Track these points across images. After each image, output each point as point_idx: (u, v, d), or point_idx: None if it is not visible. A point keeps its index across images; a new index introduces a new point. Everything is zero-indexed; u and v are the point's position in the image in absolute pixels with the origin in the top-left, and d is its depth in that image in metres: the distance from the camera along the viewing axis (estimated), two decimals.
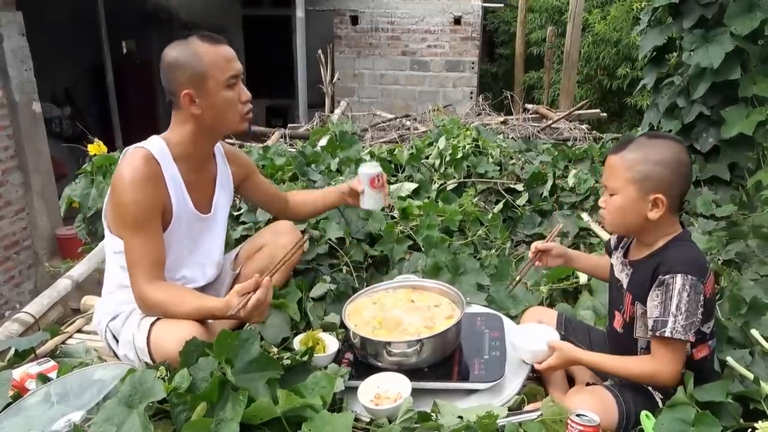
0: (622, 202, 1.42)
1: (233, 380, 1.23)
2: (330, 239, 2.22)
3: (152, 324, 1.57)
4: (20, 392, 1.47)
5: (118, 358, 1.67)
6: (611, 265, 1.63)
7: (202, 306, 1.53)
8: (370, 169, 1.92)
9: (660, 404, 1.42)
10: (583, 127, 4.73)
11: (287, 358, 1.51)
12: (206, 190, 1.77)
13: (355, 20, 8.20)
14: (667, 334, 1.34)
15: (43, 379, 1.49)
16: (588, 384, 1.62)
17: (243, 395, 1.21)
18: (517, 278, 1.86)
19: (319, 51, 6.37)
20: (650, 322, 1.39)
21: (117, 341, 1.66)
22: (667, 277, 1.36)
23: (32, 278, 4.97)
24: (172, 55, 1.60)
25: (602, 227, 2.68)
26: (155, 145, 1.63)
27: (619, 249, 1.61)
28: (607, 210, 1.48)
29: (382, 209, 2.38)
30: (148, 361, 1.56)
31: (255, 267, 1.84)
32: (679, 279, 1.34)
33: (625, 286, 1.52)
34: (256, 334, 1.33)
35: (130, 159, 1.58)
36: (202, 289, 1.82)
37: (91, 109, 7.96)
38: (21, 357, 1.71)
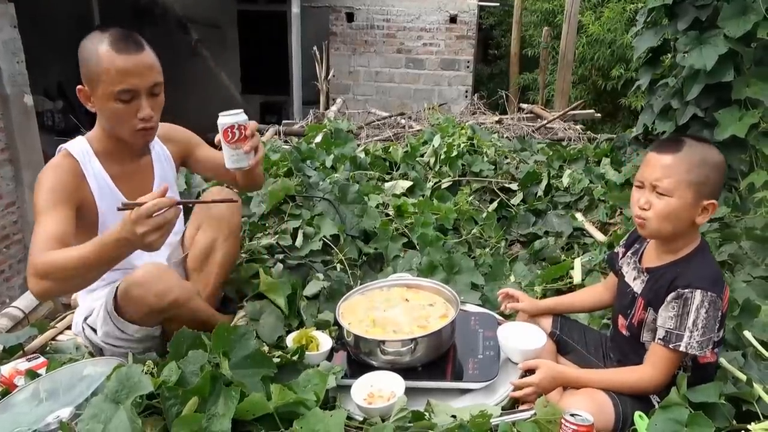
0: (676, 205, 1.35)
1: (228, 374, 1.22)
2: (324, 236, 2.21)
3: (118, 287, 1.54)
4: (9, 388, 1.46)
5: (102, 354, 1.65)
6: (621, 273, 1.60)
7: (98, 239, 1.37)
8: (225, 118, 1.56)
9: (655, 405, 1.42)
10: (578, 127, 4.74)
11: (278, 356, 1.50)
12: (144, 179, 1.72)
13: (350, 17, 8.18)
14: (682, 348, 1.34)
15: (32, 375, 1.47)
16: None
17: (236, 390, 1.20)
18: None
19: (315, 48, 6.35)
20: (661, 332, 1.38)
21: (95, 332, 1.64)
22: (686, 291, 1.34)
23: (22, 273, 4.92)
24: (82, 45, 1.53)
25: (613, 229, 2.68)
26: (75, 143, 1.63)
27: (629, 255, 1.59)
28: (654, 211, 1.38)
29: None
30: (124, 327, 1.55)
31: (197, 249, 1.81)
32: (698, 295, 1.33)
33: (639, 292, 1.49)
34: (252, 330, 1.32)
35: (52, 160, 1.59)
36: None
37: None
38: (9, 353, 1.69)
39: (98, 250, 1.33)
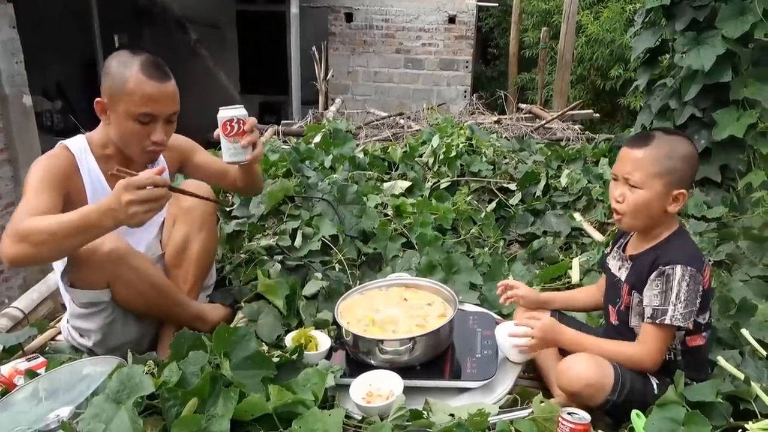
0: (647, 196, 1.43)
1: (229, 375, 1.22)
2: (323, 236, 2.22)
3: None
4: (8, 388, 1.46)
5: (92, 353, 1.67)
6: (608, 268, 1.65)
7: (83, 207, 1.37)
8: (225, 111, 1.59)
9: (654, 388, 1.44)
10: (576, 127, 4.75)
11: (277, 356, 1.51)
12: None
13: (349, 17, 8.19)
14: (668, 321, 1.39)
15: (32, 375, 1.48)
16: None
17: (234, 392, 1.20)
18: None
19: (314, 48, 6.36)
20: (648, 311, 1.42)
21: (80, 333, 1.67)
22: (667, 267, 1.40)
23: (21, 273, 4.92)
24: (110, 60, 1.59)
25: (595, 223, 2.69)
26: (74, 140, 1.66)
27: (615, 250, 1.64)
28: (627, 204, 1.46)
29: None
30: (74, 296, 1.58)
31: (172, 246, 1.81)
32: (678, 269, 1.39)
33: (623, 279, 1.54)
34: (252, 332, 1.33)
35: (48, 151, 1.63)
36: None
37: (81, 103, 7.89)
38: (9, 353, 1.70)
39: (81, 216, 1.33)
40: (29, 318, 2.02)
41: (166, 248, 1.82)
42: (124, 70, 1.55)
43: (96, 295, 1.59)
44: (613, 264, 1.63)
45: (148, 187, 1.29)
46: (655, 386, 1.45)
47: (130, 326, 1.68)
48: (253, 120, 1.62)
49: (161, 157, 1.81)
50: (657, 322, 1.40)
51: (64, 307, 2.16)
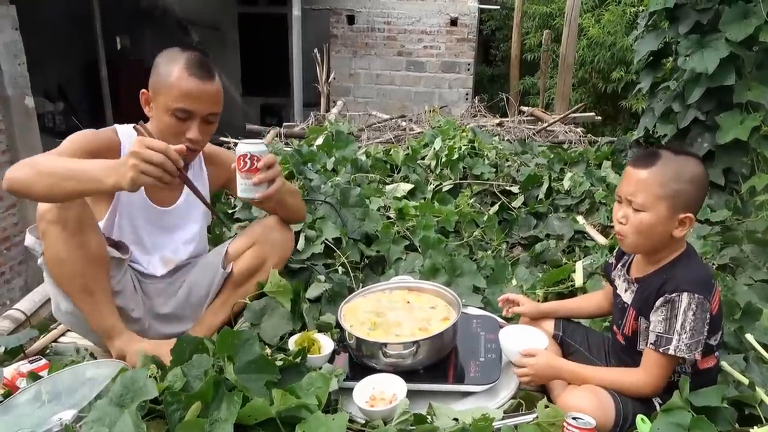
0: (651, 220, 1.37)
1: (233, 379, 1.21)
2: (326, 239, 2.21)
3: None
4: (11, 390, 1.45)
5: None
6: (614, 285, 1.60)
7: (92, 161, 1.37)
8: (242, 145, 1.53)
9: (657, 407, 1.42)
10: (579, 130, 4.75)
11: (281, 359, 1.50)
12: (172, 190, 1.74)
13: (351, 20, 8.20)
14: (671, 351, 1.34)
15: (34, 377, 1.47)
16: None
17: (238, 396, 1.19)
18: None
19: (315, 50, 6.36)
20: (652, 337, 1.38)
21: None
22: (673, 295, 1.34)
23: (23, 275, 4.92)
24: (160, 56, 1.62)
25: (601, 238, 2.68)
26: (125, 126, 1.67)
27: (619, 267, 1.59)
28: (630, 226, 1.40)
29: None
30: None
31: (245, 265, 1.81)
32: (685, 298, 1.33)
33: (629, 303, 1.50)
34: (255, 335, 1.32)
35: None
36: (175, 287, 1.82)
37: (83, 105, 7.90)
38: (11, 355, 1.69)
39: (86, 164, 1.35)
40: (31, 320, 2.01)
41: (237, 264, 1.82)
42: (170, 65, 1.57)
43: (33, 242, 1.57)
44: (619, 284, 1.58)
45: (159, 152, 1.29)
46: (658, 407, 1.42)
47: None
48: (271, 158, 1.55)
49: (204, 168, 1.82)
50: (660, 350, 1.35)
51: None
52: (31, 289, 2.21)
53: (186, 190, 1.74)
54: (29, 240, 1.57)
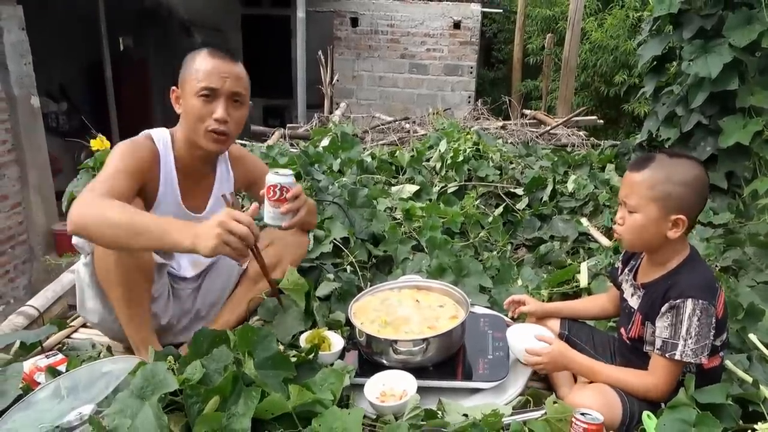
0: (642, 221, 1.42)
1: (253, 374, 1.24)
2: (334, 239, 2.24)
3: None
4: (29, 384, 1.48)
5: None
6: (621, 290, 1.64)
7: (165, 220, 1.38)
8: (272, 175, 1.59)
9: (662, 405, 1.45)
10: (581, 133, 4.78)
11: (294, 356, 1.53)
12: (202, 191, 1.78)
13: (355, 22, 8.23)
14: (677, 357, 1.37)
15: (52, 371, 1.50)
16: (590, 381, 1.64)
17: (256, 391, 1.22)
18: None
19: (320, 52, 6.39)
20: (659, 342, 1.41)
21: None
22: (678, 301, 1.37)
23: (27, 273, 4.94)
24: (188, 55, 1.67)
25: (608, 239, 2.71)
26: (159, 131, 1.69)
27: (626, 272, 1.63)
28: (625, 227, 1.46)
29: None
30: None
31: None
32: (689, 303, 1.36)
33: (636, 308, 1.53)
34: (273, 333, 1.35)
35: (134, 138, 1.66)
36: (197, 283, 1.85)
37: (86, 105, 7.92)
38: (27, 350, 1.72)
39: (160, 223, 1.36)
40: (44, 316, 2.04)
41: (253, 261, 1.83)
42: (195, 57, 1.63)
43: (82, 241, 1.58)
44: (625, 288, 1.61)
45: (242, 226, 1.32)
46: (663, 404, 1.43)
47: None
48: (298, 189, 1.61)
49: (231, 170, 1.85)
50: (667, 356, 1.38)
51: (70, 308, 2.19)
52: (36, 287, 2.23)
53: (213, 194, 1.79)
54: (77, 238, 1.59)
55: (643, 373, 1.46)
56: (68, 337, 1.91)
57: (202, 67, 1.60)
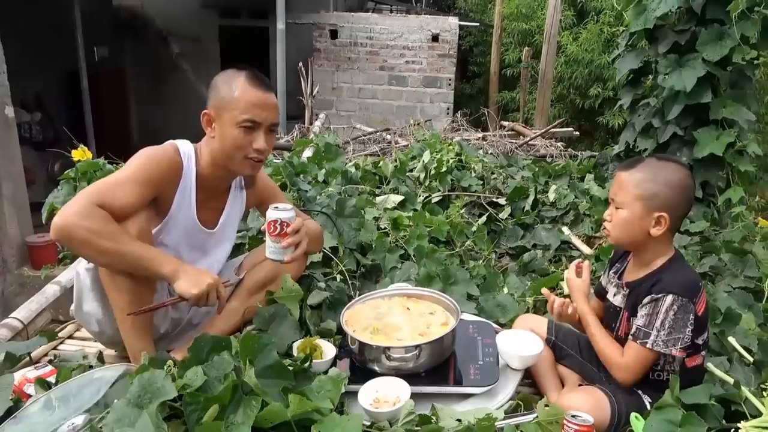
0: (627, 216, 1.52)
1: (254, 383, 1.24)
2: (324, 248, 2.25)
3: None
4: (20, 396, 1.46)
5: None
6: (605, 292, 1.73)
7: (162, 257, 1.51)
8: (272, 211, 1.63)
9: (648, 407, 1.50)
10: (559, 144, 4.88)
11: (289, 365, 1.53)
12: (216, 207, 1.80)
13: (334, 34, 8.27)
14: (648, 345, 1.46)
15: (42, 383, 1.48)
16: (580, 385, 1.69)
17: (256, 400, 1.22)
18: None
19: (300, 64, 6.41)
20: (634, 328, 1.50)
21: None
22: (659, 295, 1.47)
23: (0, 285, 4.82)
24: (218, 77, 1.67)
25: (591, 239, 2.77)
26: (185, 144, 1.69)
27: (611, 275, 1.71)
28: (612, 222, 1.57)
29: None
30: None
31: (262, 274, 1.85)
32: (669, 299, 1.45)
33: (621, 306, 1.61)
34: (274, 341, 1.36)
35: (161, 147, 1.65)
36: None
37: (62, 115, 7.80)
38: (13, 362, 1.69)
39: (154, 258, 1.49)
40: (28, 329, 2.01)
41: (252, 272, 1.86)
42: (231, 82, 1.62)
43: None
44: (609, 289, 1.70)
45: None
46: (648, 405, 1.51)
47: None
48: (299, 223, 1.66)
49: (243, 193, 1.87)
50: (638, 342, 1.48)
51: (61, 322, 2.17)
52: (9, 300, 2.20)
53: (226, 211, 1.82)
54: None
55: (619, 353, 1.54)
56: (55, 348, 1.88)
57: (243, 97, 1.60)
